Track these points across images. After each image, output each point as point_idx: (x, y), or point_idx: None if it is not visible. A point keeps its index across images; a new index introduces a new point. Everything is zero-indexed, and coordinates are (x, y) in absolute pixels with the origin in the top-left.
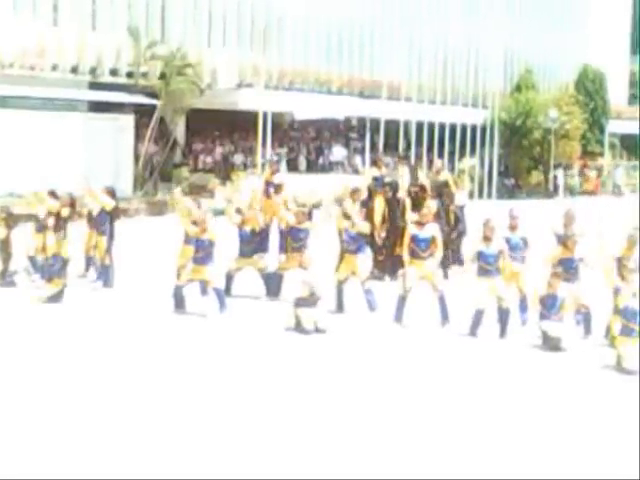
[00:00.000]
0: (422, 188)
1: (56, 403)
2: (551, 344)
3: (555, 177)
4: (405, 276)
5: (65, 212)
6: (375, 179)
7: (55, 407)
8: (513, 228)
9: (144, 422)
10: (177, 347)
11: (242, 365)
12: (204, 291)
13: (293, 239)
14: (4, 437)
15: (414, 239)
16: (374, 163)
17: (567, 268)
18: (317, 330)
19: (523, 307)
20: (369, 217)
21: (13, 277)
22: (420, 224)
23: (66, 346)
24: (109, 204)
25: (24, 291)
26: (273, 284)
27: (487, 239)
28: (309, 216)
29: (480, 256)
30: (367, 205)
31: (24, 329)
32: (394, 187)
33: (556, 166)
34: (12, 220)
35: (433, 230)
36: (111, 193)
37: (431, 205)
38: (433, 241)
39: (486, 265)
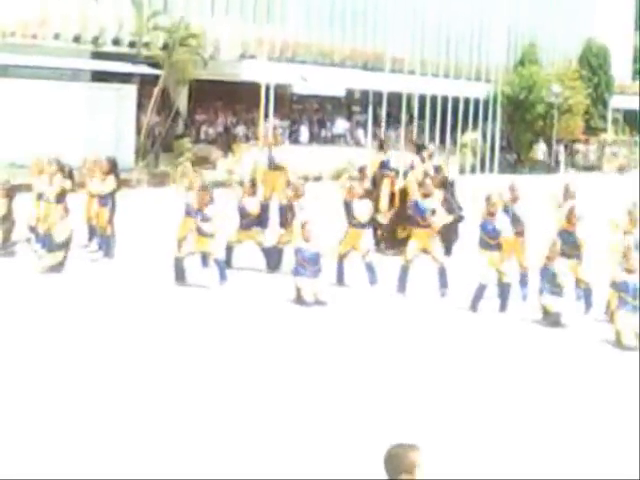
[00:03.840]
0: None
1: (53, 376)
2: (551, 319)
3: (556, 153)
4: (407, 247)
5: (66, 184)
6: (381, 164)
7: (53, 379)
8: (514, 201)
9: (143, 394)
10: (177, 318)
11: (242, 336)
12: (205, 263)
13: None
14: (4, 407)
15: (416, 207)
16: (380, 147)
17: (566, 241)
18: (317, 302)
19: (524, 282)
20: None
21: (14, 247)
22: (425, 195)
23: (65, 317)
24: (111, 185)
25: (24, 261)
26: (273, 257)
27: (490, 214)
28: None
29: (483, 229)
30: (372, 193)
31: (23, 299)
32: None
33: (558, 141)
34: (13, 191)
35: (436, 202)
36: (112, 164)
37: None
38: (434, 213)
39: (488, 239)
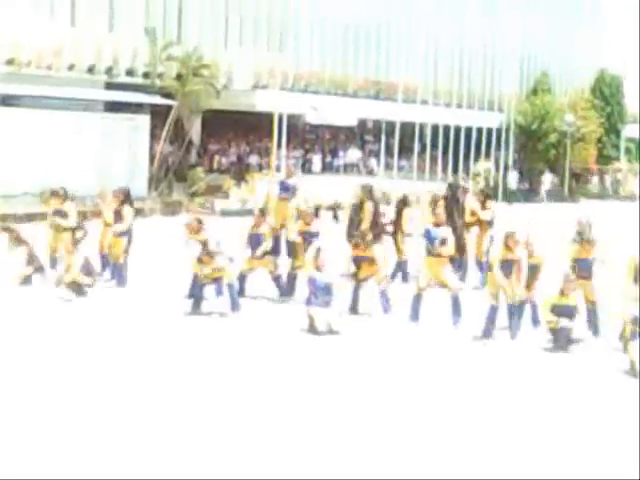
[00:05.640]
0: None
1: (66, 404)
2: (560, 338)
3: (542, 181)
4: (419, 275)
5: (72, 211)
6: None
7: (66, 407)
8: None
9: (155, 422)
10: (190, 347)
11: (255, 365)
12: (219, 291)
13: (305, 242)
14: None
15: (428, 236)
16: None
17: (582, 268)
18: (330, 332)
19: (534, 306)
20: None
21: (31, 276)
22: (436, 224)
23: (76, 345)
24: (130, 219)
25: (38, 290)
26: (285, 285)
27: (509, 249)
28: (316, 215)
29: (502, 264)
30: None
31: (35, 328)
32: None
33: (543, 171)
34: (18, 238)
35: (447, 231)
36: (127, 194)
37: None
38: (446, 241)
39: (505, 273)
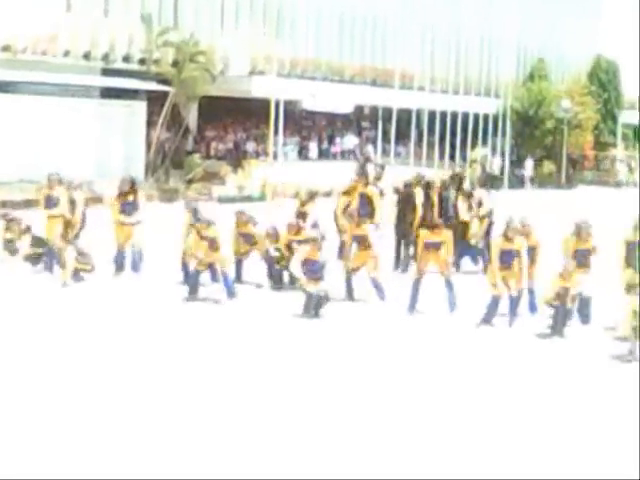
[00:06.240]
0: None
1: (59, 388)
2: (558, 332)
3: (524, 167)
4: (418, 262)
5: (63, 198)
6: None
7: (67, 392)
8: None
9: (152, 408)
10: (186, 333)
11: (251, 350)
12: (214, 278)
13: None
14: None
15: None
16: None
17: (581, 259)
18: (324, 298)
19: (532, 293)
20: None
21: (39, 261)
22: (433, 227)
23: (71, 331)
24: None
25: (38, 275)
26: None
27: (509, 240)
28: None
29: (501, 254)
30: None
31: (32, 309)
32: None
33: (524, 157)
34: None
35: (446, 236)
36: (133, 183)
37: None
38: (444, 244)
39: (505, 262)
